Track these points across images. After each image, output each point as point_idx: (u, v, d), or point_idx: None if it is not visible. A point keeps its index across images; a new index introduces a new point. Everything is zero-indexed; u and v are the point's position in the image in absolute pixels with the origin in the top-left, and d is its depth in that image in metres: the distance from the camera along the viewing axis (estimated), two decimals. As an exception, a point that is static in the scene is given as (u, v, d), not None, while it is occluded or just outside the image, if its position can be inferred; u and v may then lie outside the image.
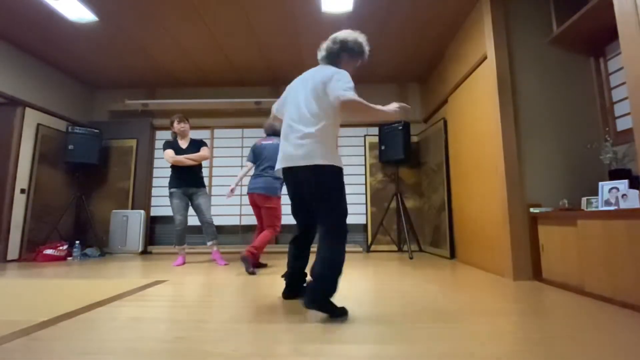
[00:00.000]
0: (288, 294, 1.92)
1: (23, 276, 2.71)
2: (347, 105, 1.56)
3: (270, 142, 3.13)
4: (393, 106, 1.71)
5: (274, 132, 3.21)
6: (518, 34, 2.64)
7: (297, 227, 1.89)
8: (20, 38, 3.59)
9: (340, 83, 1.60)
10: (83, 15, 3.15)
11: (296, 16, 3.23)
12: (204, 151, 3.33)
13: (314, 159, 1.62)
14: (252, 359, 1.10)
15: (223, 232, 4.66)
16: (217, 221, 4.52)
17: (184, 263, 3.37)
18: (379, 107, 1.64)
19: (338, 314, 1.54)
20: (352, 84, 1.62)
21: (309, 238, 1.89)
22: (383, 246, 4.40)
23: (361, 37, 1.81)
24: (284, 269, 3.01)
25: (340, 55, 1.78)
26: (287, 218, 4.55)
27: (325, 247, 1.60)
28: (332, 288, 1.57)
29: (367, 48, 1.84)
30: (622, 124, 2.35)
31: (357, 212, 4.57)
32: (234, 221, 4.63)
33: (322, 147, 1.63)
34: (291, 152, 1.68)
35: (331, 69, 1.69)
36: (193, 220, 4.66)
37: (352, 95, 1.56)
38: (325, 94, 1.64)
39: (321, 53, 1.82)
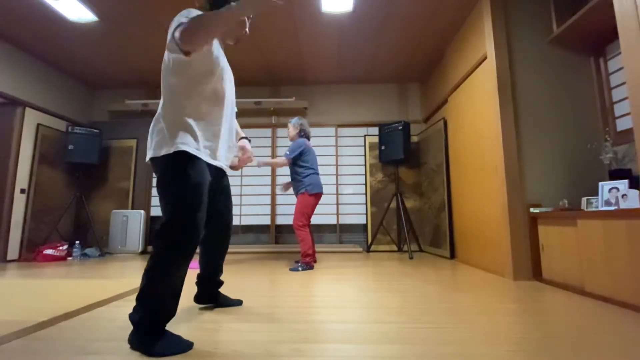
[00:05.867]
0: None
1: (23, 276, 2.71)
2: (186, 39, 1.17)
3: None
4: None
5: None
6: (518, 34, 2.64)
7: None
8: (20, 38, 3.59)
9: (174, 23, 1.24)
10: (83, 15, 3.15)
11: (296, 16, 3.23)
12: None
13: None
14: (252, 359, 1.10)
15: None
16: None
17: None
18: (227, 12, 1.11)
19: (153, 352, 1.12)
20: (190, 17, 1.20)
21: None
22: (383, 246, 4.40)
23: None
24: (286, 269, 3.01)
25: None
26: (285, 218, 4.57)
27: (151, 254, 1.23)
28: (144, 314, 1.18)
29: None
30: (622, 124, 2.35)
31: (357, 212, 4.58)
32: (234, 221, 4.63)
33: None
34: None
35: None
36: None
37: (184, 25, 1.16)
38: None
39: None
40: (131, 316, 1.19)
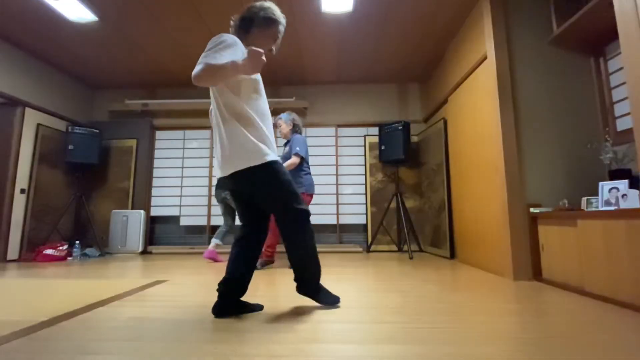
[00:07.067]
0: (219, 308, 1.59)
1: (23, 276, 2.71)
2: (200, 80, 1.36)
3: None
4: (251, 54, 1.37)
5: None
6: (518, 34, 2.64)
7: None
8: (20, 38, 3.59)
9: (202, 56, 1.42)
10: (83, 15, 3.15)
11: (296, 16, 3.23)
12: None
13: None
14: (253, 359, 1.10)
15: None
16: (214, 221, 4.53)
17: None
18: (231, 62, 1.36)
19: (329, 301, 1.68)
20: (215, 48, 1.41)
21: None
22: (383, 246, 4.40)
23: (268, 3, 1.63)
24: (286, 269, 3.01)
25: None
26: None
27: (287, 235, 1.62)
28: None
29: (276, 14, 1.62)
30: (622, 124, 2.35)
31: (357, 212, 4.58)
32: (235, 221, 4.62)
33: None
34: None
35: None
36: (195, 220, 4.66)
37: (200, 66, 1.35)
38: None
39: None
40: (308, 282, 1.68)
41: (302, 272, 1.65)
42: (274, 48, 1.67)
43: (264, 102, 1.64)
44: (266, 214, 1.69)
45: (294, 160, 3.03)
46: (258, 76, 1.61)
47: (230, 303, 1.60)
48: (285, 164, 2.97)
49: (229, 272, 1.60)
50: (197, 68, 1.36)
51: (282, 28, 1.64)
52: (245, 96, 1.53)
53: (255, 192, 1.55)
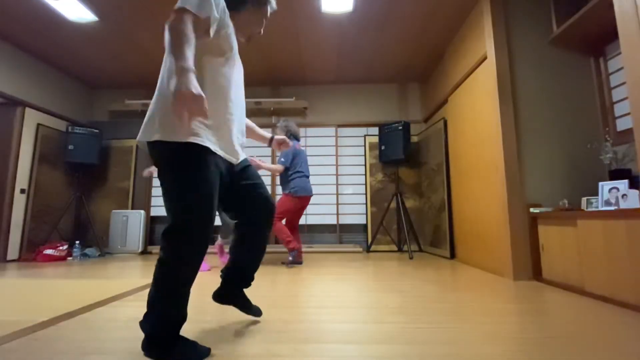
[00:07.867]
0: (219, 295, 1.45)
1: (23, 276, 2.71)
2: (169, 36, 1.03)
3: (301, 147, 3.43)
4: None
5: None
6: (518, 34, 2.64)
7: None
8: (20, 38, 3.59)
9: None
10: (83, 15, 3.15)
11: (296, 16, 3.23)
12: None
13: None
14: (253, 359, 1.10)
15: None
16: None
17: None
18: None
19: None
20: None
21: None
22: (383, 246, 4.40)
23: None
24: (286, 269, 3.01)
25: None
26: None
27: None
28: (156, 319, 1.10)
29: None
30: (622, 124, 2.35)
31: (357, 212, 4.58)
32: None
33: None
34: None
35: None
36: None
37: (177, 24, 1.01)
38: None
39: None
40: (142, 325, 1.11)
41: (149, 305, 1.12)
42: (261, 29, 1.54)
43: (227, 78, 1.25)
44: (246, 201, 1.38)
45: (275, 167, 3.22)
46: (234, 43, 1.30)
47: (231, 291, 1.46)
48: (267, 166, 3.13)
49: (230, 258, 1.46)
50: (177, 22, 1.02)
51: (269, 8, 1.51)
52: (205, 53, 1.16)
53: (161, 174, 1.14)
